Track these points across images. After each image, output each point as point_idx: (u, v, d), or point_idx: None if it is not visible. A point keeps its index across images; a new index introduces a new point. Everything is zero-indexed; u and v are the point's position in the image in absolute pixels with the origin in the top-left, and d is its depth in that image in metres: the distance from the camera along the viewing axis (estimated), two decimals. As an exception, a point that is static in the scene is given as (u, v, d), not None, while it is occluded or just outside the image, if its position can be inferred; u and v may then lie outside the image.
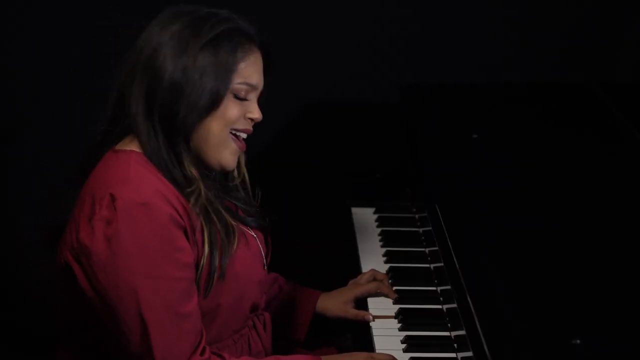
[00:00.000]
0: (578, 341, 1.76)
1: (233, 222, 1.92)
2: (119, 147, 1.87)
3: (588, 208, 2.19)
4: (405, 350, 2.01)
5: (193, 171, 1.88)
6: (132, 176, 1.79)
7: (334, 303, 2.21)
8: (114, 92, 1.89)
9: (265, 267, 2.05)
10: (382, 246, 2.40)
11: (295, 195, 3.16)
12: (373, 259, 2.34)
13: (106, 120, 1.90)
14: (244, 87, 1.88)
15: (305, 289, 2.25)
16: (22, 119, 3.03)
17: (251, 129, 1.94)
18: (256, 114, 1.92)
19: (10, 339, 3.15)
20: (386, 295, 2.21)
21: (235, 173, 2.04)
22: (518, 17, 3.13)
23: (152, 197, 1.77)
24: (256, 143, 3.13)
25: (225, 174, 2.02)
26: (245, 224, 2.01)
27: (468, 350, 1.86)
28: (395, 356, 1.98)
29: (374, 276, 2.25)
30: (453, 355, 1.99)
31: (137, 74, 1.85)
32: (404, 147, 2.61)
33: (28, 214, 3.07)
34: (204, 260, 1.85)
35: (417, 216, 2.50)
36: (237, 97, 1.88)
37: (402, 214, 2.54)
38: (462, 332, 1.92)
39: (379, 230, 2.45)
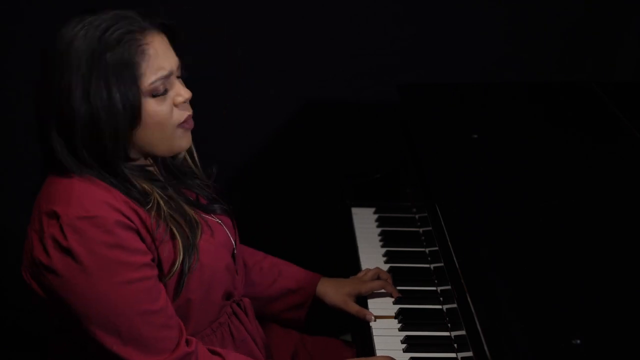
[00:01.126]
0: (578, 341, 1.76)
1: (194, 214, 1.91)
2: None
3: (588, 208, 2.19)
4: (405, 350, 2.01)
5: (145, 186, 1.85)
6: (75, 191, 1.77)
7: (336, 292, 2.19)
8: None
9: (235, 252, 2.03)
10: (382, 246, 2.39)
11: (295, 196, 3.16)
12: (373, 259, 2.34)
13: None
14: (157, 83, 1.81)
15: (306, 271, 2.24)
16: (21, 118, 3.02)
17: (190, 108, 1.87)
18: (184, 94, 1.85)
19: (10, 338, 3.15)
20: (390, 295, 2.20)
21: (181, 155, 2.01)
22: (518, 17, 3.13)
23: (96, 208, 1.75)
24: (256, 143, 3.18)
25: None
26: (209, 212, 1.99)
27: (468, 351, 1.86)
28: (396, 356, 1.98)
29: (379, 274, 2.24)
30: (453, 355, 1.99)
31: (45, 116, 1.79)
32: (404, 147, 2.61)
33: (27, 213, 3.07)
34: (177, 264, 1.84)
35: (417, 216, 2.50)
36: (156, 95, 1.82)
37: (402, 214, 2.54)
38: (462, 332, 1.92)
39: (379, 230, 2.45)
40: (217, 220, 2.00)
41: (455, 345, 2.00)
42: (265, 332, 2.14)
